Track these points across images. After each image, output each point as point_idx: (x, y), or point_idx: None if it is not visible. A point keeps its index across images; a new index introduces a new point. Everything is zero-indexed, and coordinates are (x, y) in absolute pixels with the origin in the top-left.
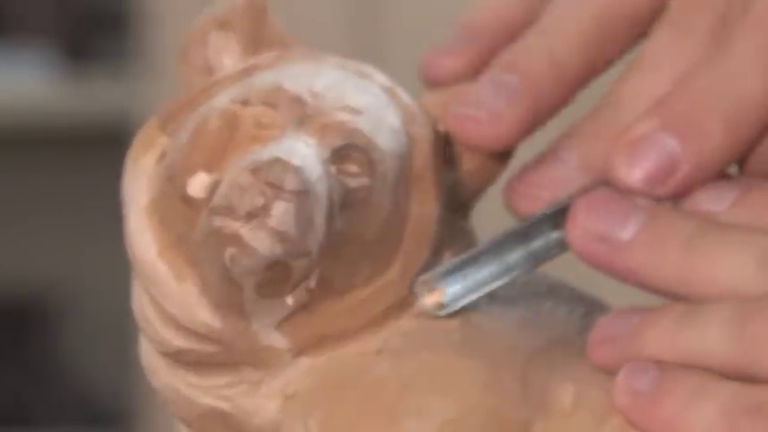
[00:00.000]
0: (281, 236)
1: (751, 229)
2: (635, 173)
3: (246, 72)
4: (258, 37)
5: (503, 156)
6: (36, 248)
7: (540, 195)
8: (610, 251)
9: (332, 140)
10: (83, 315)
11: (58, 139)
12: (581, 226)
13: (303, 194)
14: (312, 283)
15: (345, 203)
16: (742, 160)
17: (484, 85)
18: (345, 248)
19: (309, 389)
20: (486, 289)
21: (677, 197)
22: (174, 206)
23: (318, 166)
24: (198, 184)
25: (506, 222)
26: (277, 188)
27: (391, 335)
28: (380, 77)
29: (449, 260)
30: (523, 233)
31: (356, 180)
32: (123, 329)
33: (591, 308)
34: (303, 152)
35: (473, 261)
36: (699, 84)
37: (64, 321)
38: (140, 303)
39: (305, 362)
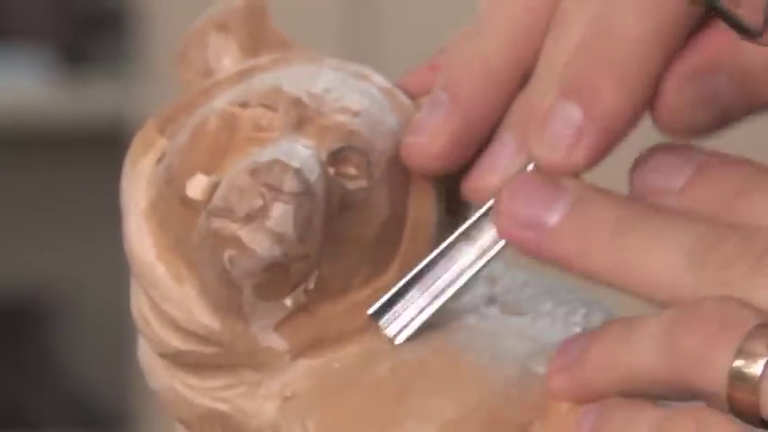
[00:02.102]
0: (279, 237)
1: (686, 218)
2: (547, 149)
3: (245, 74)
4: (257, 39)
5: None
6: (33, 250)
7: (491, 181)
8: (537, 238)
9: (330, 142)
10: (79, 316)
11: (54, 140)
12: (506, 213)
13: (302, 196)
14: (311, 284)
15: (344, 205)
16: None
17: (424, 106)
18: (344, 250)
19: (308, 390)
20: (443, 299)
21: (593, 165)
22: (173, 208)
23: (317, 168)
24: (197, 186)
25: None
26: (276, 190)
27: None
28: (379, 79)
29: (397, 282)
30: (467, 234)
31: (354, 182)
32: (119, 330)
33: (591, 308)
34: (302, 154)
35: (420, 278)
36: (586, 42)
37: (60, 322)
38: (139, 305)
39: (304, 363)
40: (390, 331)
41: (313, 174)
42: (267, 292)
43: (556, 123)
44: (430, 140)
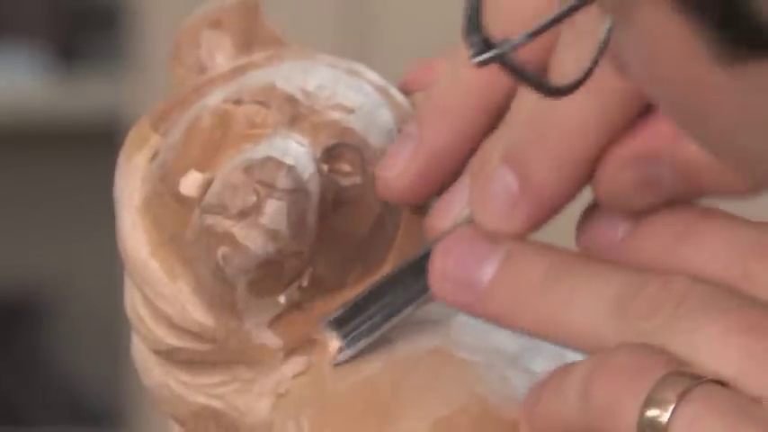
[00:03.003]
0: (273, 234)
1: (611, 266)
2: (485, 213)
3: (239, 71)
4: (251, 36)
5: None
6: (27, 247)
7: (443, 224)
8: (470, 299)
9: (324, 139)
10: (72, 313)
11: (48, 138)
12: (439, 274)
13: (295, 193)
14: (304, 281)
15: (337, 202)
16: None
17: (398, 138)
18: (338, 247)
19: (302, 387)
20: (397, 319)
21: (531, 232)
22: (167, 205)
23: (311, 165)
24: (190, 183)
25: None
26: (269, 187)
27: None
28: (373, 76)
29: (349, 300)
30: (417, 266)
31: (348, 179)
32: (113, 328)
33: None
34: (295, 151)
35: (379, 293)
36: (533, 114)
37: (53, 320)
38: (133, 302)
39: (297, 360)
40: (339, 347)
41: (307, 171)
42: (261, 289)
43: (495, 189)
44: (397, 176)
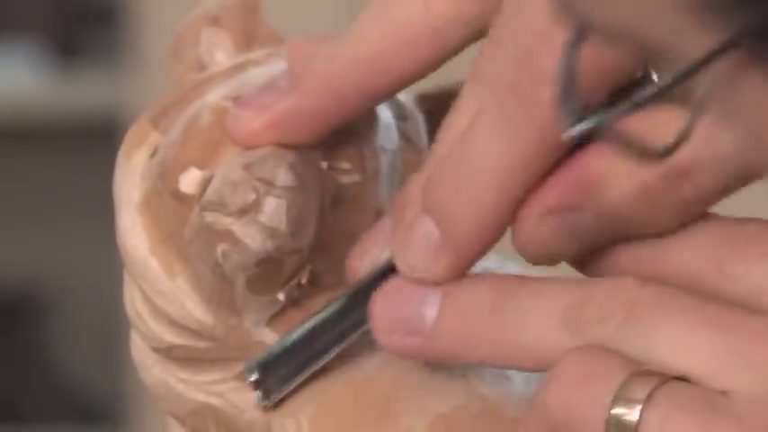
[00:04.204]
0: (272, 232)
1: (554, 281)
2: (408, 263)
3: (238, 68)
4: (250, 33)
5: None
6: (26, 244)
7: (361, 265)
8: (420, 342)
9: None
10: (72, 310)
11: (48, 134)
12: (382, 326)
13: (295, 190)
14: (303, 279)
15: (337, 200)
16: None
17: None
18: (337, 245)
19: (301, 385)
20: (323, 361)
21: (456, 278)
22: (166, 202)
23: (310, 162)
24: (190, 180)
25: None
26: (269, 184)
27: None
28: None
29: (272, 346)
30: (340, 311)
31: (347, 176)
32: (112, 325)
33: None
34: (295, 148)
35: (306, 336)
36: (449, 159)
37: (53, 317)
38: (132, 299)
39: None
40: (263, 392)
41: (306, 168)
42: (260, 286)
43: (417, 238)
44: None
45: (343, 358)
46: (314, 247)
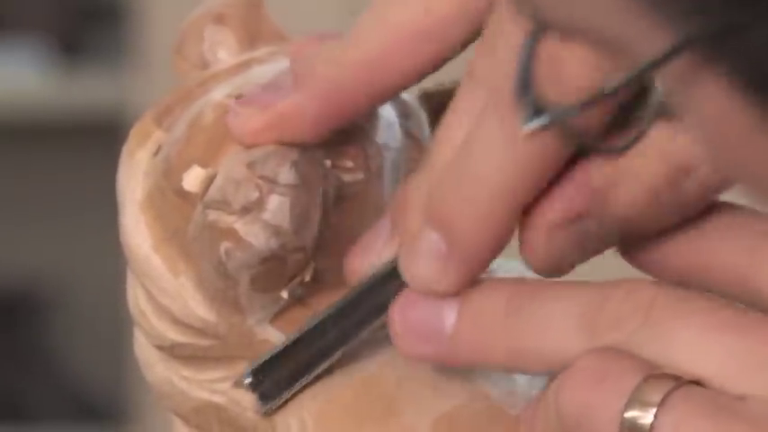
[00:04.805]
0: (275, 230)
1: (571, 285)
2: (417, 277)
3: (242, 66)
4: (254, 31)
5: None
6: (29, 241)
7: (360, 266)
8: (438, 348)
9: (327, 135)
10: (75, 308)
11: (51, 132)
12: (402, 332)
13: (298, 188)
14: (307, 277)
15: (340, 198)
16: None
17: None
18: (340, 242)
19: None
20: (323, 366)
21: (465, 287)
22: (170, 200)
23: (313, 161)
24: (193, 179)
25: None
26: (272, 182)
27: (386, 329)
28: None
29: (269, 351)
30: (339, 314)
31: (351, 175)
32: (116, 323)
33: None
34: (298, 146)
35: (304, 340)
36: (450, 169)
37: (56, 315)
38: (135, 297)
39: None
40: (260, 396)
41: (309, 166)
42: (263, 284)
43: (423, 252)
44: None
45: (346, 357)
46: (317, 244)
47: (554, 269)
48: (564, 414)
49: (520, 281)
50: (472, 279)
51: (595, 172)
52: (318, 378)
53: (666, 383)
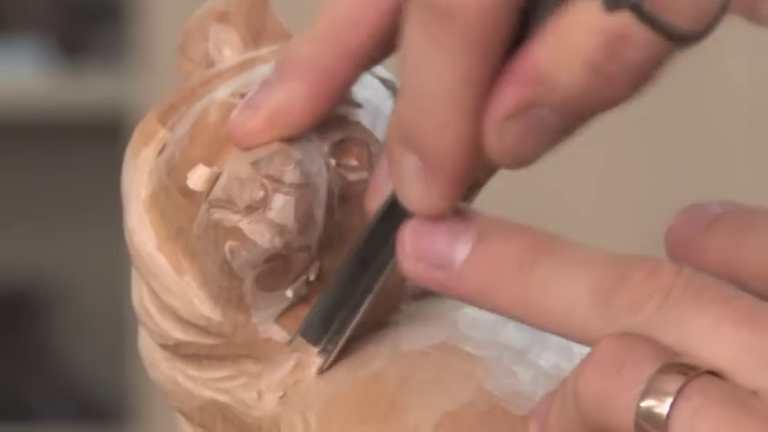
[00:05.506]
0: (280, 229)
1: (589, 254)
2: (407, 201)
3: (246, 65)
4: (258, 30)
5: None
6: (32, 240)
7: (373, 205)
8: (443, 277)
9: (332, 133)
10: (78, 306)
11: (53, 131)
12: (410, 254)
13: (303, 187)
14: (312, 275)
15: (344, 196)
16: None
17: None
18: (345, 241)
19: (308, 381)
20: (362, 310)
21: (456, 201)
22: (174, 199)
23: (318, 160)
24: (198, 177)
25: (508, 214)
26: (277, 181)
27: (389, 328)
28: (380, 70)
29: (311, 307)
30: (370, 240)
31: (355, 173)
32: (120, 321)
33: None
34: (303, 145)
35: (340, 290)
36: (405, 90)
37: (59, 312)
38: (140, 296)
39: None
40: (321, 354)
41: (314, 165)
42: (268, 283)
43: (405, 174)
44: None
45: (349, 356)
46: (322, 243)
47: (514, 161)
48: (582, 401)
49: (541, 232)
50: (457, 194)
51: (536, 56)
52: (323, 374)
53: (682, 373)
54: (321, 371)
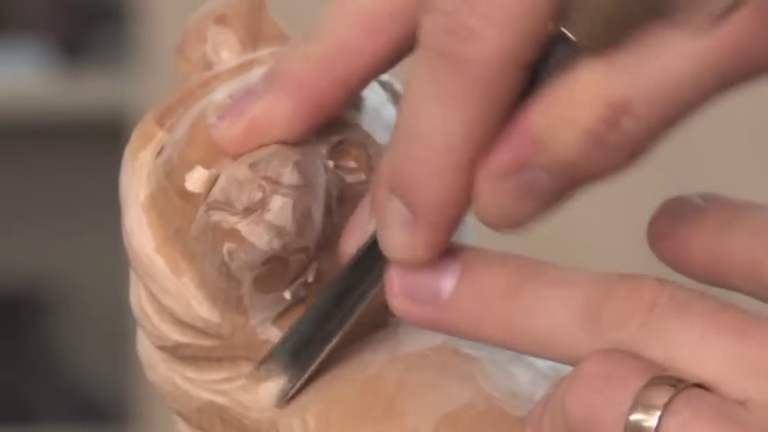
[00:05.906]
0: (278, 230)
1: (573, 274)
2: (390, 249)
3: (244, 67)
4: (256, 32)
5: None
6: (31, 241)
7: (351, 248)
8: (433, 312)
9: (330, 135)
10: (78, 308)
11: (53, 132)
12: (399, 293)
13: (301, 189)
14: (310, 277)
15: (343, 198)
16: None
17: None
18: None
19: (307, 383)
20: (334, 341)
21: (439, 252)
22: (172, 201)
23: (316, 161)
24: (196, 179)
25: None
26: (275, 183)
27: (388, 330)
28: None
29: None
30: (355, 270)
31: (353, 175)
32: (118, 323)
33: None
34: (301, 147)
35: (317, 317)
36: (399, 134)
37: (59, 315)
38: (138, 297)
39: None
40: (282, 386)
41: (312, 167)
42: (266, 284)
43: (391, 222)
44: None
45: (348, 358)
46: (320, 245)
47: (504, 223)
48: (570, 417)
49: (524, 258)
50: (442, 243)
51: (536, 118)
52: (322, 375)
53: (670, 387)
54: (282, 401)
